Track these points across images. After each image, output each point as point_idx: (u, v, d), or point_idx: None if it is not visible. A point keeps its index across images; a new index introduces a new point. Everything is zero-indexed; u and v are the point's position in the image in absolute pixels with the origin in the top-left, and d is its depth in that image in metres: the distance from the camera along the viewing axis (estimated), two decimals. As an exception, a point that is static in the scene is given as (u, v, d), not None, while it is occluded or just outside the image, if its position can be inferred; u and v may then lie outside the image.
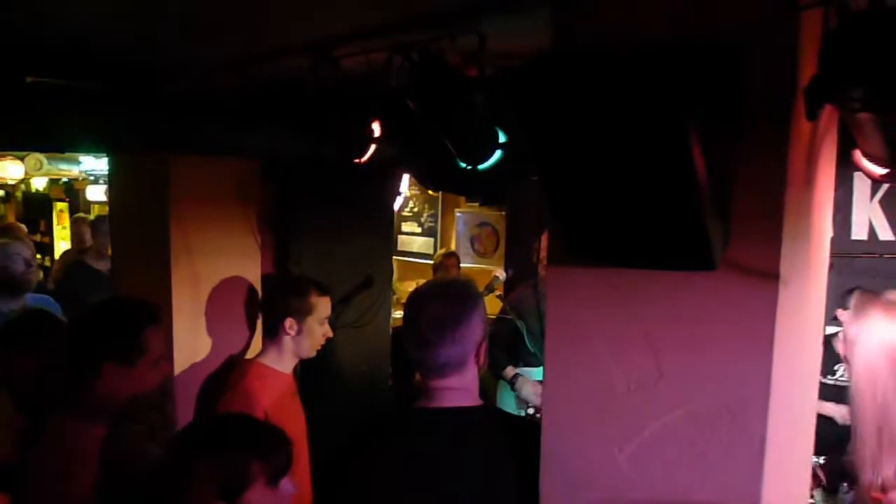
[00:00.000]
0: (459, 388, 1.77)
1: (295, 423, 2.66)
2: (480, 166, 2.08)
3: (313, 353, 2.82)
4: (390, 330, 4.26)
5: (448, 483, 1.72)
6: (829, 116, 1.57)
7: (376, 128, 2.43)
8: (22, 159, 7.56)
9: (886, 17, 1.01)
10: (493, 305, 3.96)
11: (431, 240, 8.04)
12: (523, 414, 3.68)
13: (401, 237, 8.10)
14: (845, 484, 2.96)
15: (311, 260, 3.54)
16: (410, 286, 7.51)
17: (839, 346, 2.74)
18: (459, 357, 1.74)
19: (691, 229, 1.22)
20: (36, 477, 1.96)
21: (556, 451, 1.64)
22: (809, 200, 1.51)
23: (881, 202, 3.82)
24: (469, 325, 1.74)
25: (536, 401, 3.60)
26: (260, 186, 3.49)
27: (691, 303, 1.41)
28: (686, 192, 1.18)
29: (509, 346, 3.87)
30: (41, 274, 6.25)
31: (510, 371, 3.79)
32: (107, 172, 3.94)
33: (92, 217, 6.96)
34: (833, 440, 3.34)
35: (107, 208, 6.16)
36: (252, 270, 3.49)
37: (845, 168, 1.73)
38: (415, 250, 8.11)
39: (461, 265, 6.61)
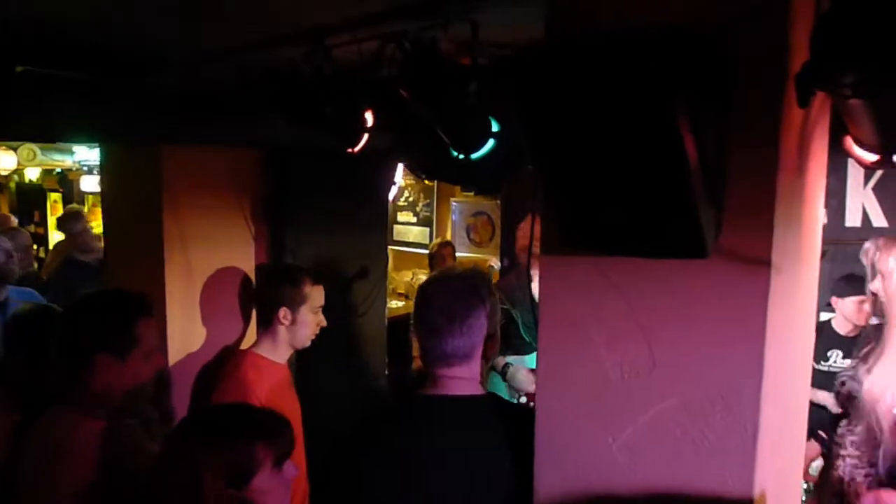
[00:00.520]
0: (465, 378, 1.79)
1: (291, 414, 2.64)
2: (474, 155, 2.07)
3: (308, 343, 2.82)
4: (386, 320, 4.26)
5: (449, 470, 1.73)
6: (821, 103, 1.56)
7: (369, 117, 2.42)
8: (15, 150, 7.53)
9: (879, 2, 1.00)
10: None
11: (427, 229, 8.05)
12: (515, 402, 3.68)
13: (396, 227, 8.11)
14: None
15: (306, 250, 3.54)
16: (406, 276, 7.56)
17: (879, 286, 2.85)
18: (467, 348, 1.77)
19: (683, 217, 1.22)
20: (26, 465, 1.96)
21: (549, 440, 1.64)
22: (801, 188, 1.51)
23: (874, 189, 3.83)
24: (478, 318, 1.77)
25: (531, 388, 3.60)
26: (254, 176, 3.47)
27: (684, 291, 1.41)
28: (678, 180, 1.18)
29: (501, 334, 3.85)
30: (36, 265, 6.24)
31: (500, 360, 3.79)
32: (99, 163, 3.91)
33: (86, 208, 6.95)
34: (826, 428, 3.36)
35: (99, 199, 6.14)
36: (246, 261, 3.48)
37: (839, 155, 1.73)
38: (410, 240, 8.12)
39: (457, 254, 6.61)
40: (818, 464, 3.42)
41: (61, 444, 1.93)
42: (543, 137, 1.30)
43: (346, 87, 2.23)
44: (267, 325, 2.76)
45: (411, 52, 1.89)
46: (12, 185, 10.58)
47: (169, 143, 3.01)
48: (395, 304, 6.48)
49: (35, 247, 5.67)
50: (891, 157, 1.48)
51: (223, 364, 2.70)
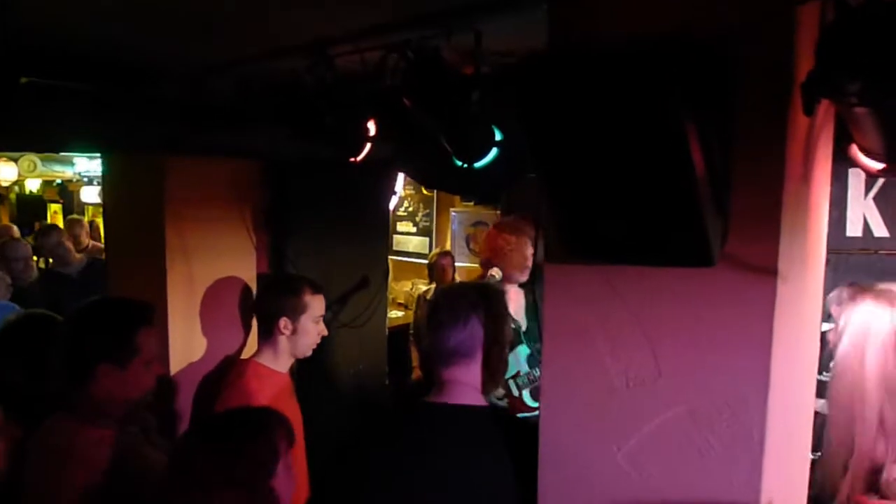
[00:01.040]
0: (467, 384, 1.83)
1: (292, 422, 2.65)
2: (476, 165, 2.07)
3: (309, 352, 2.81)
4: (386, 330, 4.25)
5: (451, 487, 1.73)
6: (825, 111, 1.57)
7: (371, 126, 2.42)
8: (16, 161, 7.54)
9: (884, 10, 1.00)
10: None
11: (427, 239, 8.04)
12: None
13: (396, 237, 8.10)
14: None
15: (307, 260, 3.53)
16: (406, 286, 7.54)
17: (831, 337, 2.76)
18: (468, 346, 1.82)
19: (689, 225, 1.22)
20: (28, 474, 1.95)
21: (554, 449, 1.63)
22: (807, 196, 1.51)
23: (875, 199, 3.82)
24: (480, 319, 1.83)
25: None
26: (255, 187, 3.48)
27: (690, 299, 1.41)
28: (684, 188, 1.18)
29: None
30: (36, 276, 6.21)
31: None
32: (101, 173, 3.92)
33: (86, 218, 6.94)
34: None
35: (100, 210, 6.15)
36: (247, 271, 3.49)
37: (840, 164, 1.73)
38: (410, 250, 8.11)
39: (456, 264, 6.60)
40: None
41: (63, 452, 1.92)
42: (547, 146, 1.30)
43: (349, 96, 2.23)
44: (268, 334, 2.75)
45: (414, 61, 1.89)
46: (13, 196, 10.59)
47: (171, 154, 3.02)
48: (394, 314, 6.46)
49: (35, 258, 5.66)
50: (897, 166, 1.47)
51: (225, 373, 2.69)
